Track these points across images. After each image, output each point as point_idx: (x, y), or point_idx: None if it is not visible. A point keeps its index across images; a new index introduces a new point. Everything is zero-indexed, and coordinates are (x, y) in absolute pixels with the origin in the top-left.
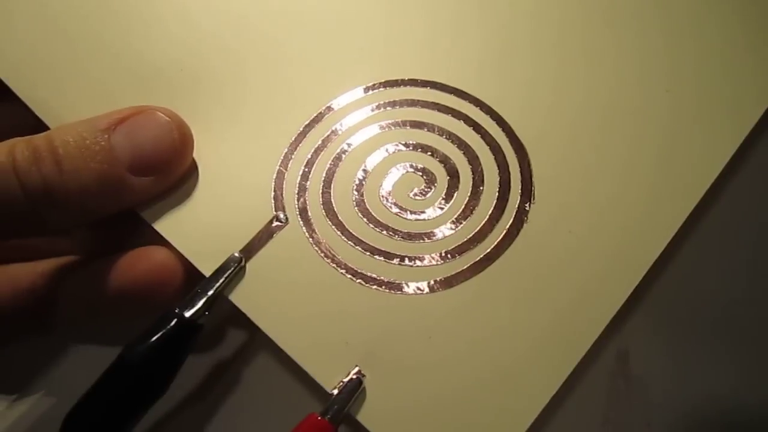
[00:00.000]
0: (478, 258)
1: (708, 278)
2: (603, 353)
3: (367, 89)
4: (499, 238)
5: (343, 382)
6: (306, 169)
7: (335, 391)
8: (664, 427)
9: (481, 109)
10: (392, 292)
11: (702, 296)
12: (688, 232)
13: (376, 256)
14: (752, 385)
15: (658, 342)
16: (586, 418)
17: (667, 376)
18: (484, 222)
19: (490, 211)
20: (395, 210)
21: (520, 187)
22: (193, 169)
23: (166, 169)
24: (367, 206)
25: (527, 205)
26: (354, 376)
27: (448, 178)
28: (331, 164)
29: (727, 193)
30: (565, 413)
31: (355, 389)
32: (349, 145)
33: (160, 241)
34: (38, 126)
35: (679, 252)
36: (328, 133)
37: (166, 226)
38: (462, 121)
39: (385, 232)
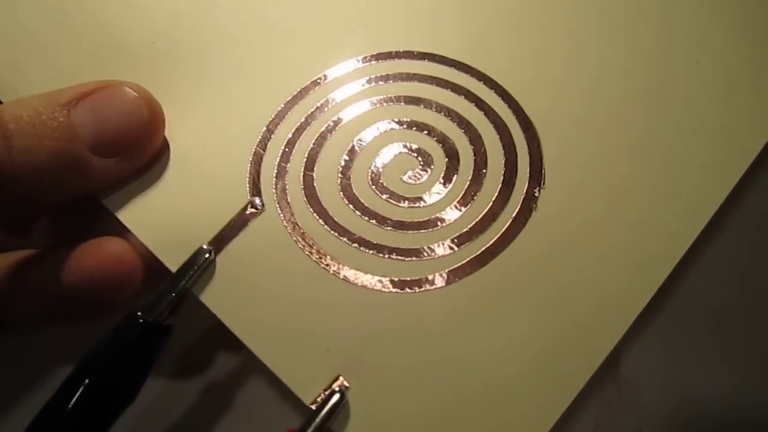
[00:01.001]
0: (480, 251)
1: (700, 285)
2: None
3: (357, 62)
4: (505, 228)
5: (323, 394)
6: (286, 150)
7: (314, 406)
8: None
9: (484, 83)
10: (381, 289)
11: (694, 302)
12: None
13: (364, 248)
14: (744, 390)
15: (650, 347)
16: (577, 424)
17: (659, 381)
18: (487, 210)
19: (494, 198)
20: (386, 195)
21: (528, 170)
22: (162, 150)
23: (134, 149)
24: (354, 191)
25: (536, 190)
26: (336, 388)
27: (447, 159)
28: (314, 144)
29: (726, 203)
30: (559, 417)
31: (337, 403)
32: (335, 123)
33: (124, 231)
34: None
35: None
36: (312, 110)
37: (129, 214)
38: (463, 97)
39: (374, 220)
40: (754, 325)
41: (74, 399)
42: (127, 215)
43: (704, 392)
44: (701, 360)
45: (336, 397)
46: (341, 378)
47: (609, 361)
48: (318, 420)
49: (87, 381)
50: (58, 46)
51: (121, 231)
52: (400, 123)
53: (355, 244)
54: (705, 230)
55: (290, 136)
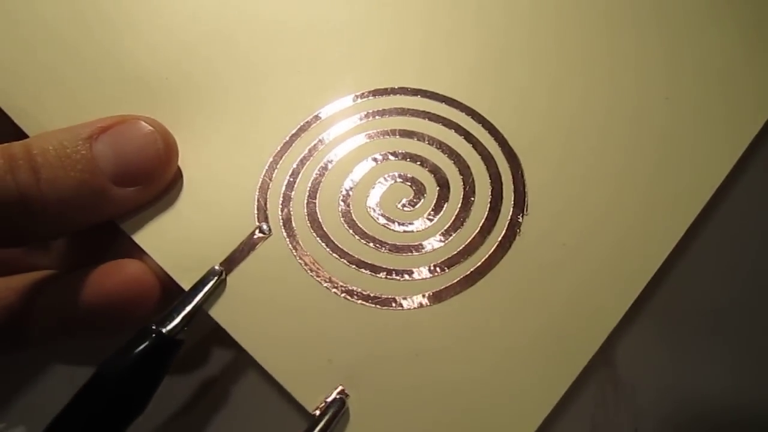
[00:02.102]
0: (469, 271)
1: (696, 284)
2: (592, 360)
3: (355, 98)
4: (491, 251)
5: (325, 402)
6: (291, 179)
7: (317, 413)
8: None
9: (473, 118)
10: (378, 307)
11: (690, 302)
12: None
13: (362, 270)
14: (740, 390)
15: (646, 348)
16: (574, 424)
17: (655, 381)
18: (475, 234)
19: (481, 223)
20: (382, 221)
21: (512, 198)
22: (176, 179)
23: (150, 179)
24: (354, 217)
25: (520, 216)
26: (337, 396)
27: (438, 188)
28: (317, 174)
29: (720, 201)
30: (553, 420)
31: (338, 410)
32: (336, 154)
33: (140, 253)
34: (19, 136)
35: (668, 258)
36: (315, 142)
37: (145, 237)
38: (453, 131)
39: (371, 244)
40: (749, 325)
41: (90, 406)
42: (143, 238)
43: (700, 392)
44: (697, 359)
45: (337, 405)
46: (341, 387)
47: (606, 362)
48: (320, 426)
49: (102, 389)
50: (77, 82)
51: (134, 252)
52: (395, 155)
53: (354, 266)
54: (700, 232)
55: (295, 166)
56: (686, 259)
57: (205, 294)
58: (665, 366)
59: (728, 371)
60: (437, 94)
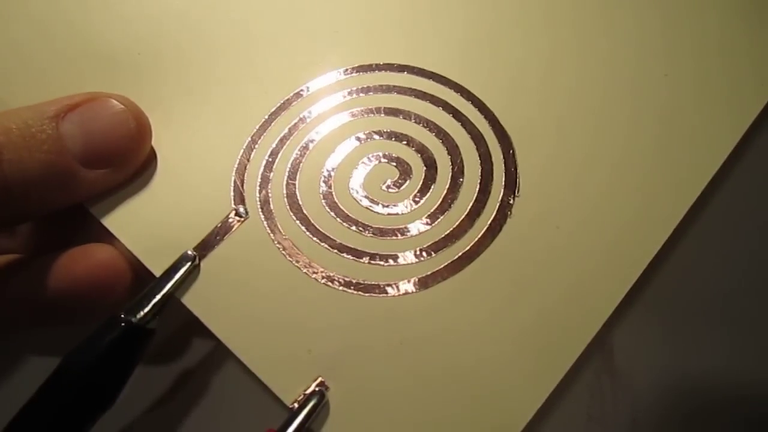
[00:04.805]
0: (456, 256)
1: (693, 272)
2: (587, 349)
3: (338, 75)
4: (480, 235)
5: (304, 395)
6: (270, 159)
7: (295, 405)
8: (649, 422)
9: (461, 95)
10: (361, 293)
11: (687, 290)
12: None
13: (344, 254)
14: (738, 378)
15: (643, 336)
16: (570, 415)
17: (653, 370)
18: (463, 217)
19: (470, 205)
20: (366, 203)
21: (503, 179)
22: (149, 159)
23: (121, 161)
24: (336, 199)
25: (511, 198)
26: (316, 389)
27: (425, 168)
28: (297, 154)
29: (719, 186)
30: (549, 411)
31: (317, 403)
32: (317, 133)
33: (111, 238)
34: None
35: (665, 245)
36: (296, 120)
37: (115, 221)
38: (441, 108)
39: (354, 227)
40: (747, 312)
41: (55, 399)
42: (112, 222)
43: (699, 380)
44: (695, 349)
45: (316, 397)
46: (321, 379)
47: (602, 351)
48: (298, 420)
49: (68, 381)
50: (44, 57)
51: (104, 237)
52: (379, 134)
53: (336, 250)
54: (697, 222)
55: (274, 146)
56: (684, 249)
57: (177, 281)
58: (662, 354)
59: (726, 359)
60: (424, 70)
